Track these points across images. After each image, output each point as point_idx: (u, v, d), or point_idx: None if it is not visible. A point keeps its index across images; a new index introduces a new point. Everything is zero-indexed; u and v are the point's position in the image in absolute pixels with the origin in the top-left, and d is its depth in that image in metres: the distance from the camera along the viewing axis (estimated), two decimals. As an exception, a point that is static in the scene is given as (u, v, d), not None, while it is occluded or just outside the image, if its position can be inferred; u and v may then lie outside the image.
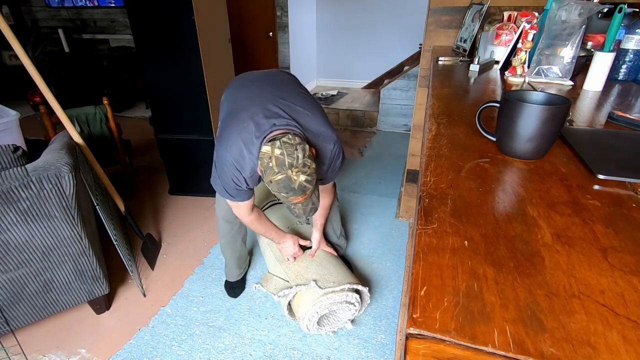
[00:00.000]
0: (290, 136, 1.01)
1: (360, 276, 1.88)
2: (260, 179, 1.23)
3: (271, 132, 1.09)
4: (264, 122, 1.11)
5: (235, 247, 1.71)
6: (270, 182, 1.00)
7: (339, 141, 1.26)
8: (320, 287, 1.42)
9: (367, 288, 1.53)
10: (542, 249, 0.46)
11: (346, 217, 2.35)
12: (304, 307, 1.43)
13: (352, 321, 1.59)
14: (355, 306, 1.50)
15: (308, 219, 1.83)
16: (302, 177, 0.98)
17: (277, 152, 0.98)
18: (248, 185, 1.23)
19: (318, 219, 1.59)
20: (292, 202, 1.04)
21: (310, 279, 1.45)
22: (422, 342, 0.36)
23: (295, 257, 1.57)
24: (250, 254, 1.95)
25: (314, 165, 1.02)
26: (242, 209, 1.36)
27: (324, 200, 1.52)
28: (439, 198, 0.56)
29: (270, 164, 0.99)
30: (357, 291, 1.53)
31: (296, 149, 0.99)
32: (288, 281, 1.52)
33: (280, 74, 1.41)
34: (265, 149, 1.00)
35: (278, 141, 1.00)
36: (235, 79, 1.44)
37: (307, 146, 1.02)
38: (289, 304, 1.53)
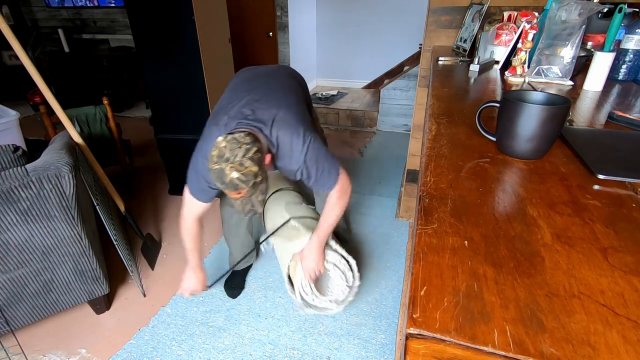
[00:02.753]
0: (243, 135, 1.04)
1: (360, 276, 1.88)
2: None
3: (236, 129, 1.13)
4: (233, 124, 1.16)
5: (239, 233, 1.72)
6: (210, 169, 1.04)
7: (314, 144, 1.18)
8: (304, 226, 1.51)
9: (352, 258, 1.53)
10: (542, 249, 0.46)
11: (346, 217, 2.35)
12: (298, 274, 1.45)
13: (351, 288, 1.54)
14: (343, 266, 1.50)
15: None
16: (235, 174, 1.01)
17: (223, 144, 1.02)
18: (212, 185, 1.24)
19: (321, 224, 1.40)
20: (230, 196, 1.09)
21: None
22: (422, 342, 0.36)
23: (191, 294, 1.51)
24: (256, 250, 1.95)
25: (253, 169, 1.03)
26: (192, 209, 1.36)
27: (334, 210, 1.35)
28: (439, 198, 0.56)
29: (213, 153, 1.03)
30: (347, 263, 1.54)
31: (240, 147, 1.01)
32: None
33: (278, 75, 1.42)
34: (218, 139, 1.04)
35: (230, 135, 1.04)
36: (238, 75, 1.48)
37: (254, 149, 1.03)
38: (289, 277, 1.54)
